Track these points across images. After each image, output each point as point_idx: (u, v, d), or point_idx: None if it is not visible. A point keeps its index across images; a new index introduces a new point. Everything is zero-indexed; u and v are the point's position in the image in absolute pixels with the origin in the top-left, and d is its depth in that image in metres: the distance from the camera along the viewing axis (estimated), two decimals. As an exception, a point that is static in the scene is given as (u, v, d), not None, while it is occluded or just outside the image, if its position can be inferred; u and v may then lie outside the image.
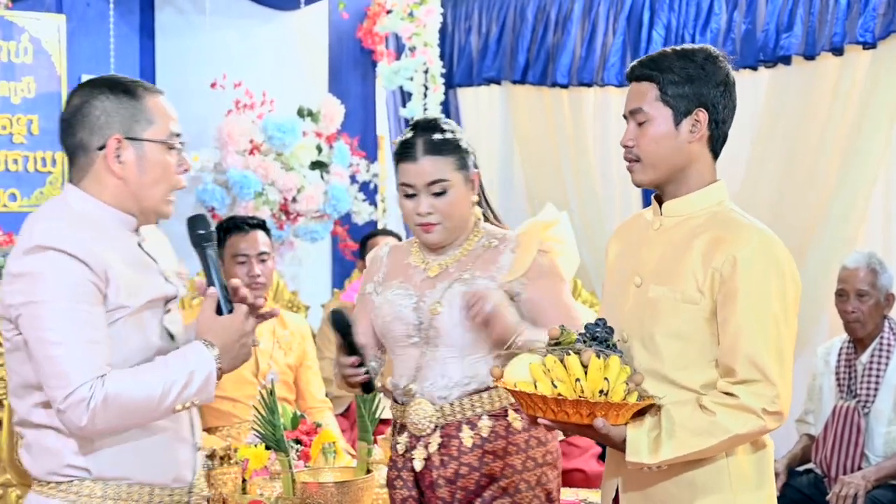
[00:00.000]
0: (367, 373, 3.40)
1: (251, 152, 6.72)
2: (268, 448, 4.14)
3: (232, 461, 4.07)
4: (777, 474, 5.48)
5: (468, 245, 3.58)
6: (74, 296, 2.76)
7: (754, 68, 6.17)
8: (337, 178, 6.98)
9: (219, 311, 2.99)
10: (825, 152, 5.96)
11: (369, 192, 7.56)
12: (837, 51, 5.77)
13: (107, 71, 6.78)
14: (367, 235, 6.80)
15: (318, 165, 6.93)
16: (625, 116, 3.10)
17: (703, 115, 3.03)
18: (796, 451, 5.71)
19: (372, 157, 7.67)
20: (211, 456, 4.00)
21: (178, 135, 3.00)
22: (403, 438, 3.55)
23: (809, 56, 5.89)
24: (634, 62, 3.11)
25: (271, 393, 4.10)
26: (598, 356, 2.81)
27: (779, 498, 5.35)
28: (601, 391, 2.80)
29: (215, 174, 6.70)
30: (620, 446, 2.87)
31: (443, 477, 3.51)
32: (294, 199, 6.81)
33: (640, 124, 3.04)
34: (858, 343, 5.52)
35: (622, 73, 6.61)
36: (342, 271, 7.60)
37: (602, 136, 7.02)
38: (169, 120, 2.98)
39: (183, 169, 3.04)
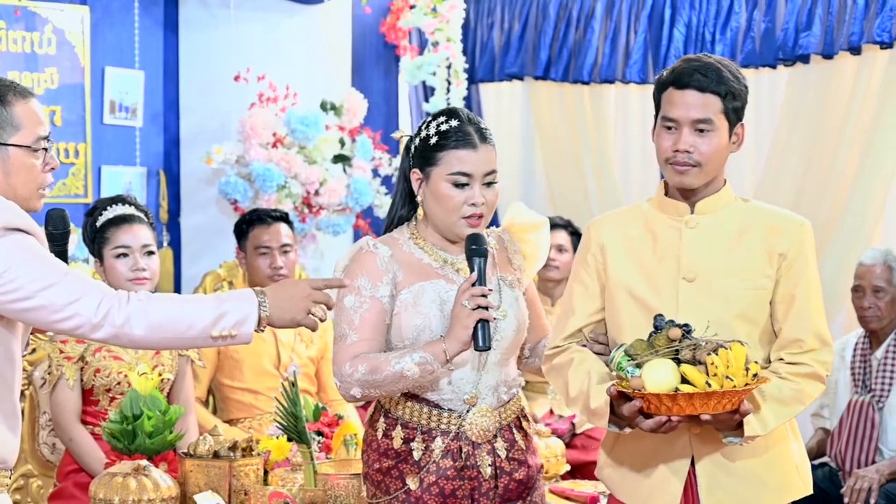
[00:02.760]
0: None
1: (274, 145, 6.75)
2: (289, 440, 4.18)
3: (254, 453, 4.07)
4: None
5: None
6: None
7: (773, 67, 6.20)
8: (359, 171, 7.00)
9: None
10: (843, 150, 5.98)
11: (391, 185, 7.58)
12: (855, 50, 5.80)
13: (131, 63, 6.83)
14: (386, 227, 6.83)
15: (340, 159, 6.95)
16: (672, 121, 3.24)
17: (742, 130, 3.30)
18: (811, 444, 5.74)
19: (394, 151, 7.68)
20: (233, 448, 4.02)
21: (45, 138, 3.16)
22: (438, 444, 3.40)
23: (828, 55, 5.92)
24: (688, 69, 3.24)
25: (293, 384, 4.14)
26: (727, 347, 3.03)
27: (794, 492, 5.41)
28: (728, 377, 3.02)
29: (238, 167, 6.72)
30: (738, 424, 3.10)
31: (515, 480, 3.47)
32: (316, 193, 6.82)
33: (700, 133, 3.22)
34: (873, 338, 5.56)
35: (643, 71, 6.65)
36: (363, 264, 7.62)
37: (623, 132, 7.06)
38: (37, 125, 3.15)
39: (50, 168, 3.19)
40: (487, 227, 3.53)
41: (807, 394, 3.21)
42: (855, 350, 5.61)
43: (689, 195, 3.32)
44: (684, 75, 3.24)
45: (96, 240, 4.55)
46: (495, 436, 3.45)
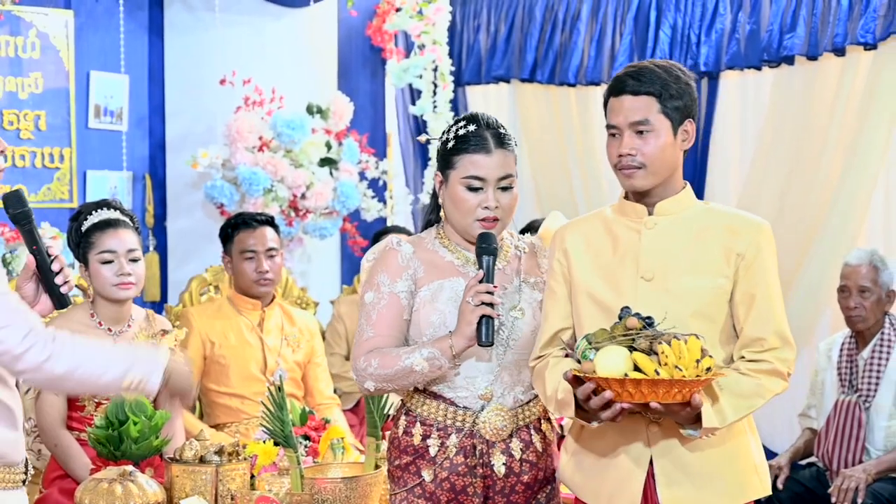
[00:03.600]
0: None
1: (260, 149, 6.74)
2: (276, 444, 4.18)
3: (240, 457, 4.08)
4: (780, 468, 5.56)
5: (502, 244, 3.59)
6: None
7: (758, 68, 6.22)
8: (346, 174, 7.00)
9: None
10: (828, 150, 6.00)
11: (378, 189, 7.59)
12: (839, 51, 5.81)
13: (116, 67, 6.82)
14: (378, 232, 6.83)
15: (327, 162, 6.95)
16: (614, 127, 3.34)
17: (691, 127, 3.34)
18: (799, 444, 5.76)
19: (381, 154, 7.70)
20: (219, 452, 4.02)
21: None
22: (453, 441, 3.47)
23: (812, 56, 5.94)
24: (623, 76, 3.34)
25: (280, 389, 4.14)
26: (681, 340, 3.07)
27: (782, 491, 5.48)
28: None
29: (224, 171, 6.72)
30: (696, 418, 3.14)
31: (522, 483, 3.52)
32: (303, 196, 6.82)
33: (640, 135, 3.28)
34: (860, 338, 5.57)
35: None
36: (351, 268, 7.63)
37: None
38: None
39: None
40: (522, 233, 3.71)
41: (767, 388, 3.24)
42: (841, 350, 5.62)
43: (647, 198, 3.38)
44: (618, 82, 3.34)
45: (81, 244, 4.54)
46: (511, 435, 3.50)
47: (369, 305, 3.50)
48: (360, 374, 3.45)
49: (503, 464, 3.48)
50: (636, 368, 3.05)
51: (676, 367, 3.01)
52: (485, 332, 3.30)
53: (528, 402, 3.53)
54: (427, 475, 3.47)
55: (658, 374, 3.01)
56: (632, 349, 3.08)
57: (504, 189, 3.49)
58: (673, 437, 3.27)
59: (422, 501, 3.48)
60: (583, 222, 3.53)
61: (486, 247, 3.39)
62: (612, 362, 3.06)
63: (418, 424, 3.51)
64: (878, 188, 6.00)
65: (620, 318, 3.16)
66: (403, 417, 3.56)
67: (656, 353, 3.04)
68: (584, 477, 3.43)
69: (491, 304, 3.30)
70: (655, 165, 3.30)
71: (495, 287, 3.33)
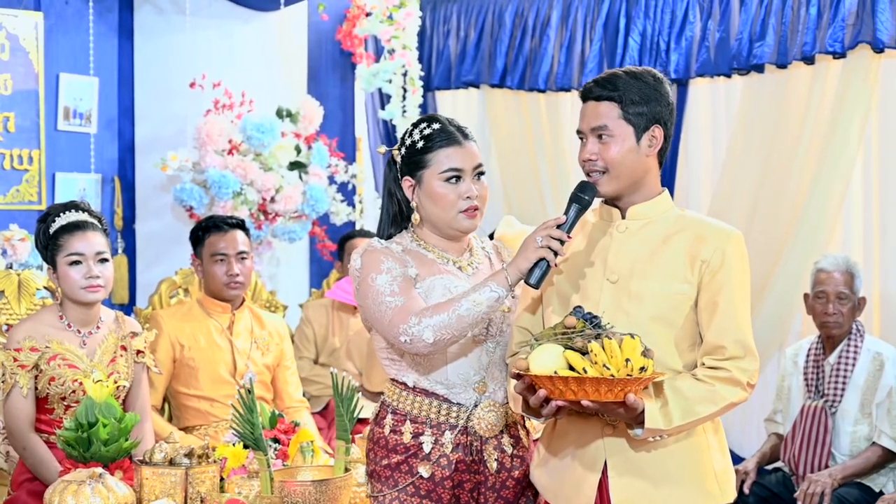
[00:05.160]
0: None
1: (230, 152, 6.74)
2: (246, 447, 4.17)
3: (210, 460, 4.07)
4: (747, 473, 5.58)
5: (462, 245, 3.62)
6: None
7: (728, 76, 6.24)
8: (315, 178, 7.00)
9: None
10: (798, 158, 6.02)
11: (347, 193, 7.60)
12: (808, 59, 5.84)
13: (85, 70, 6.80)
14: (345, 236, 6.84)
15: (296, 166, 6.95)
16: (580, 133, 3.41)
17: (658, 132, 3.37)
18: (765, 449, 5.79)
19: (350, 158, 7.70)
20: (189, 455, 4.01)
21: None
22: (448, 438, 3.50)
23: (781, 64, 5.96)
24: (590, 84, 3.41)
25: (250, 392, 4.13)
26: (616, 339, 3.07)
27: (748, 495, 5.52)
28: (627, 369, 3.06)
29: (194, 174, 6.71)
30: (639, 418, 3.15)
31: (512, 478, 3.57)
32: (272, 200, 6.82)
33: (601, 139, 3.34)
34: (827, 344, 5.59)
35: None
36: (320, 271, 7.64)
37: (579, 140, 7.07)
38: None
39: None
40: (492, 239, 3.76)
41: (721, 396, 3.24)
42: (808, 355, 5.65)
43: (620, 202, 3.43)
44: (585, 89, 3.41)
45: (49, 247, 4.52)
46: (502, 431, 3.56)
47: (385, 285, 3.43)
48: (412, 331, 3.32)
49: (495, 459, 3.53)
50: (572, 367, 3.07)
51: (605, 366, 3.02)
52: (537, 274, 3.29)
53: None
54: (424, 472, 3.49)
55: (586, 372, 3.03)
56: (569, 348, 3.10)
57: (478, 178, 3.55)
58: (627, 438, 3.30)
59: (416, 500, 3.51)
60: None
61: (580, 196, 3.36)
62: (543, 360, 3.10)
63: (408, 422, 3.53)
64: (848, 195, 6.03)
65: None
66: (390, 416, 3.56)
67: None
68: (548, 478, 3.48)
69: (555, 254, 3.28)
70: (618, 170, 3.34)
71: (569, 238, 3.32)
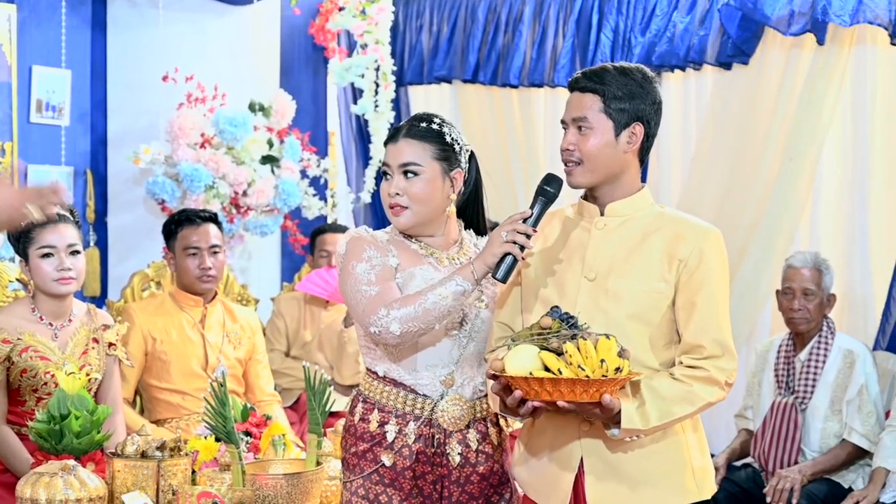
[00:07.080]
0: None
1: (202, 146, 6.72)
2: (218, 440, 4.17)
3: (182, 453, 4.06)
4: (717, 468, 5.60)
5: (449, 240, 3.62)
6: None
7: (698, 68, 6.30)
8: (287, 172, 6.99)
9: None
10: (768, 151, 6.06)
11: (319, 187, 7.60)
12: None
13: (58, 62, 6.77)
14: (316, 230, 6.85)
15: (268, 160, 6.93)
16: (563, 122, 3.39)
17: (639, 129, 3.36)
18: (735, 445, 5.82)
19: (322, 152, 7.70)
20: (161, 447, 4.00)
21: None
22: (411, 429, 3.51)
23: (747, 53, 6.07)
24: (578, 74, 3.40)
25: (222, 385, 4.13)
26: (592, 340, 3.07)
27: (718, 491, 5.52)
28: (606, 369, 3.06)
29: (166, 167, 6.68)
30: (615, 418, 3.15)
31: (477, 473, 3.56)
32: (244, 193, 6.81)
33: (581, 131, 3.33)
34: (798, 340, 5.62)
35: (571, 75, 6.67)
36: (291, 265, 7.64)
37: (551, 136, 7.09)
38: None
39: None
40: (481, 236, 3.73)
41: (698, 396, 3.24)
42: (779, 352, 5.68)
43: (599, 198, 3.42)
44: (572, 80, 3.42)
45: (21, 239, 4.51)
46: (468, 426, 3.55)
47: (363, 274, 3.46)
48: (381, 322, 3.35)
49: (458, 453, 3.52)
50: (548, 368, 3.08)
51: (580, 366, 3.03)
52: (504, 269, 3.29)
53: (487, 395, 3.55)
54: (387, 460, 3.50)
55: (561, 372, 3.04)
56: (545, 348, 3.11)
57: (408, 179, 3.51)
58: (603, 437, 3.29)
59: (380, 488, 3.52)
60: (545, 219, 3.53)
61: (545, 189, 3.40)
62: (519, 361, 3.10)
63: (376, 411, 3.54)
64: (815, 189, 6.08)
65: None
66: (360, 405, 3.58)
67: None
68: (528, 474, 3.48)
69: (522, 248, 3.29)
70: (593, 163, 3.33)
71: (535, 232, 3.33)
